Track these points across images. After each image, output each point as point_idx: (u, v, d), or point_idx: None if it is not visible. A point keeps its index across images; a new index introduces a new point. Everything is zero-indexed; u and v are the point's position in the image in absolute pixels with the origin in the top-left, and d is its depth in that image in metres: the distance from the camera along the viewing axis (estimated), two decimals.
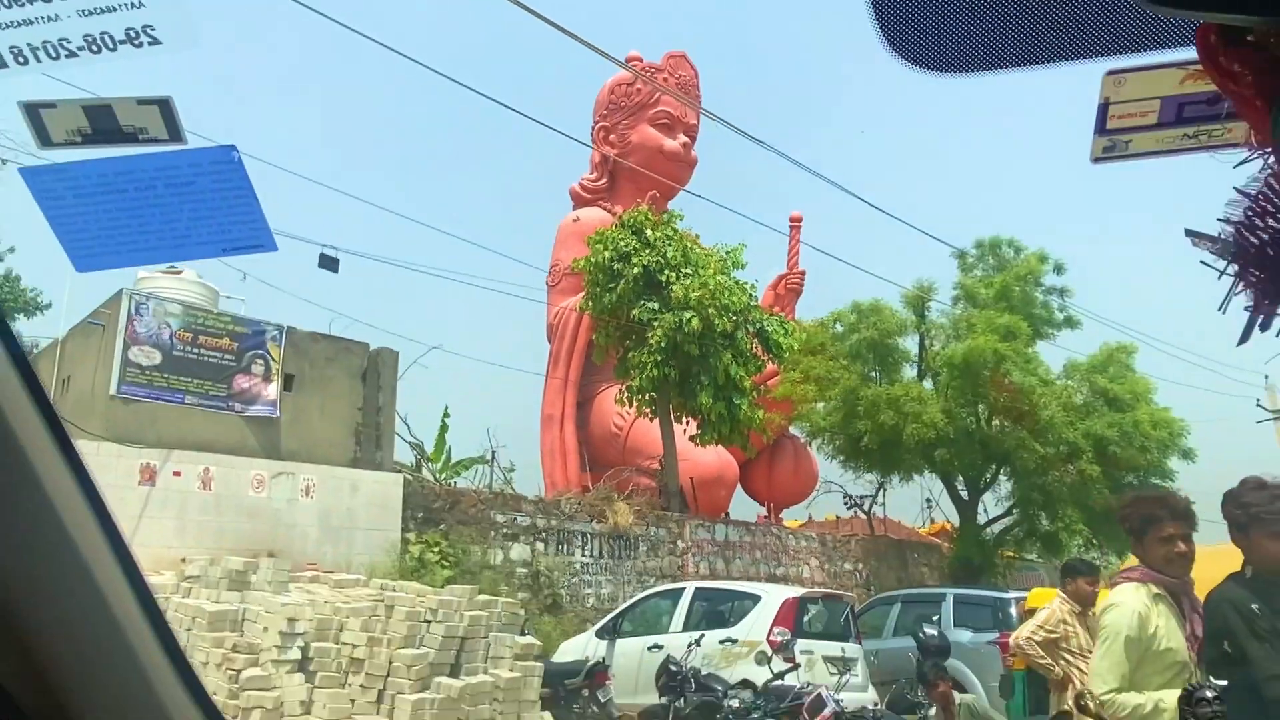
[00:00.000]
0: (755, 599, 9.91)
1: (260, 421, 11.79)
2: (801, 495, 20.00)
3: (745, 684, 8.02)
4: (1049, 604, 5.69)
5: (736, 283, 15.04)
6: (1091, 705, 0.79)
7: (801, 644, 8.98)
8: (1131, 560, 5.65)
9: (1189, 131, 0.73)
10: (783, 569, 15.77)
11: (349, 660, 7.37)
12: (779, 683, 7.74)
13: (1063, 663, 5.29)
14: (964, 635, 10.67)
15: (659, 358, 14.33)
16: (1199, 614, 2.88)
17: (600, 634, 10.38)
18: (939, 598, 12.27)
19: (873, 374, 16.56)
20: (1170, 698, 2.67)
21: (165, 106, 0.93)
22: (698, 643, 8.95)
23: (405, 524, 11.81)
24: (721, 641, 9.20)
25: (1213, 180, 0.65)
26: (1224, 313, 0.59)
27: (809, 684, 7.98)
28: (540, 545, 13.08)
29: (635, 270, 14.61)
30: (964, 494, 17.34)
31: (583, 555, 13.54)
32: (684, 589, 10.86)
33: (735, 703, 7.29)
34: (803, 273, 19.93)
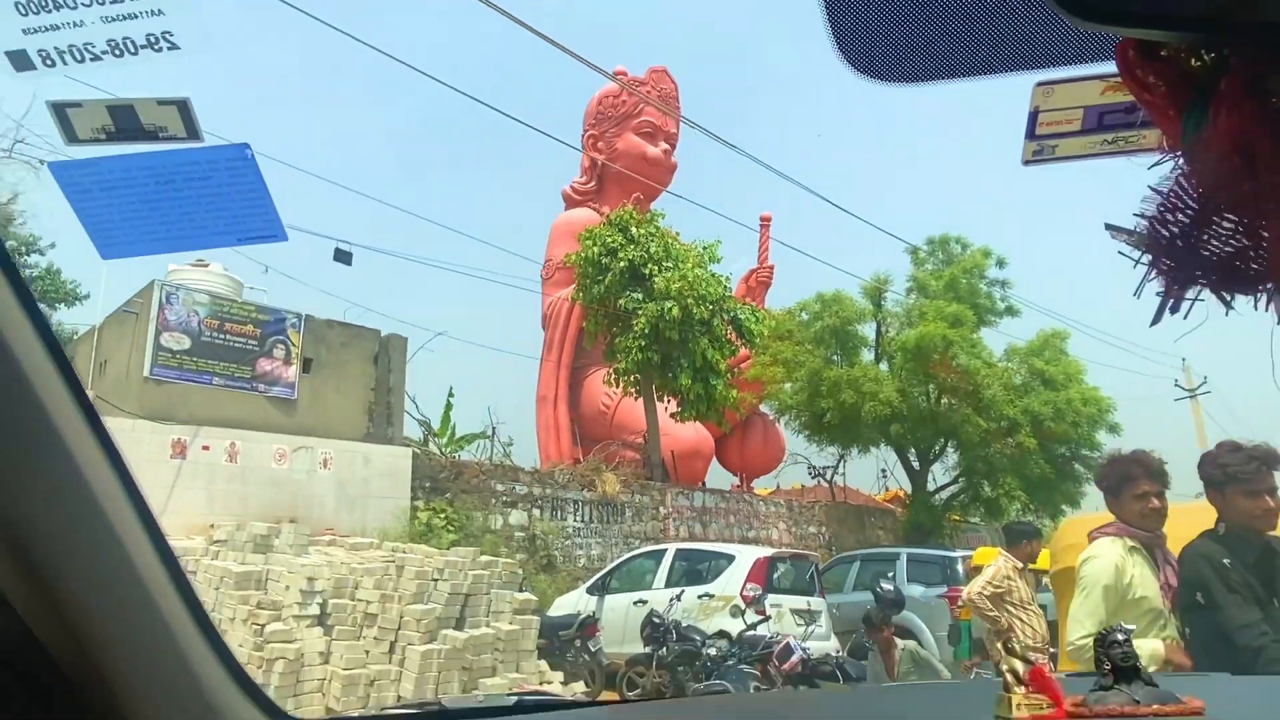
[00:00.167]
0: (730, 558, 9.95)
1: (281, 400, 11.71)
2: (770, 466, 20.08)
3: (721, 634, 8.07)
4: (994, 561, 5.68)
5: (713, 275, 15.02)
6: (1017, 648, 0.80)
7: (771, 598, 9.06)
8: (1077, 522, 5.66)
9: (1109, 138, 0.74)
10: (754, 532, 15.85)
11: (363, 615, 7.36)
12: (752, 633, 7.80)
13: (1006, 613, 5.29)
14: (916, 589, 10.78)
15: (643, 343, 14.30)
16: (1171, 565, 2.83)
17: (590, 591, 10.40)
18: (894, 556, 12.37)
19: (834, 357, 16.60)
20: (1146, 646, 2.60)
21: (183, 107, 0.91)
22: (678, 598, 9.00)
23: (414, 493, 11.78)
24: (700, 597, 9.24)
25: (1130, 180, 0.65)
26: (1139, 298, 0.60)
27: (778, 634, 8.05)
28: (536, 512, 13.09)
29: (621, 264, 14.56)
30: (915, 464, 17.46)
31: (574, 520, 13.55)
32: (666, 550, 10.89)
33: (712, 651, 7.32)
34: (771, 267, 19.95)
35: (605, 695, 8.29)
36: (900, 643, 6.03)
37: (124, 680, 0.83)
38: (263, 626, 6.72)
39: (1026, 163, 0.77)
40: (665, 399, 15.36)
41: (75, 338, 14.63)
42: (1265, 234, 0.57)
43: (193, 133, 0.91)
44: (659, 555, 10.73)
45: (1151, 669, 2.53)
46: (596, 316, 15.37)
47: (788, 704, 1.55)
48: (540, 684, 7.66)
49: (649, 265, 14.52)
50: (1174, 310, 0.59)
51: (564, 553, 13.08)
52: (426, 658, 6.88)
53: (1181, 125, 0.57)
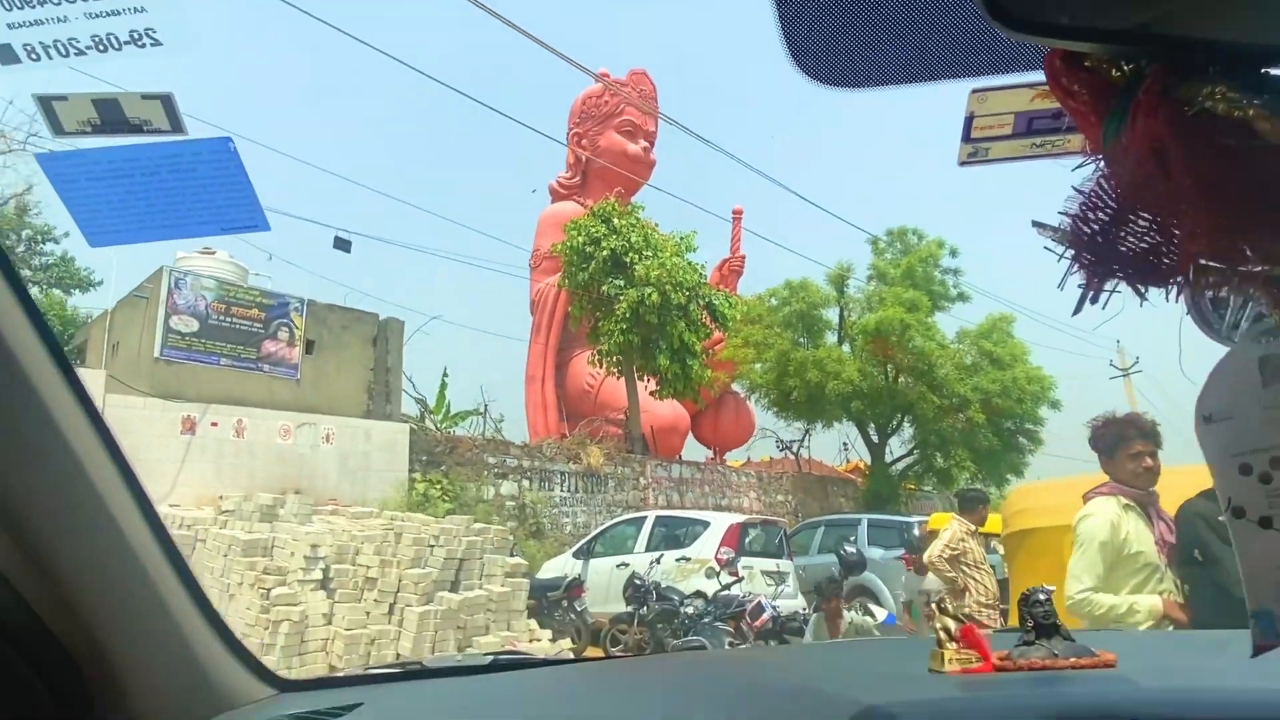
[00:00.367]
0: (705, 524, 10.00)
1: (286, 380, 11.60)
2: (742, 440, 20.20)
3: (698, 594, 8.12)
4: (949, 526, 5.65)
5: (689, 264, 15.00)
6: (949, 607, 0.81)
7: (743, 561, 9.12)
8: (1026, 490, 5.70)
9: (1037, 141, 0.74)
10: (726, 500, 15.96)
11: (364, 579, 7.33)
12: (726, 593, 7.85)
13: (961, 573, 5.30)
14: (876, 552, 10.87)
15: (624, 326, 14.28)
16: (1165, 522, 2.76)
17: (576, 555, 10.42)
18: (855, 522, 12.46)
19: (801, 340, 16.67)
20: (1144, 601, 2.56)
21: (167, 101, 0.89)
22: (658, 561, 9.05)
23: (411, 466, 11.74)
24: (678, 560, 9.26)
25: (1061, 180, 0.65)
26: (1062, 290, 0.60)
27: (750, 593, 8.11)
28: (526, 483, 13.09)
29: (604, 253, 14.49)
30: (874, 438, 17.62)
31: (561, 491, 13.57)
32: (646, 517, 10.93)
33: (690, 610, 7.34)
34: (743, 257, 20.00)
35: (590, 651, 8.34)
36: (847, 615, 5.87)
37: (120, 652, 0.82)
38: (269, 590, 6.69)
39: (962, 164, 0.77)
40: (645, 378, 15.38)
41: (89, 321, 14.36)
42: (1176, 231, 0.57)
43: (176, 126, 0.88)
44: (639, 522, 10.76)
45: (1149, 625, 2.42)
46: (581, 302, 15.31)
47: (759, 657, 1.57)
48: (530, 641, 7.69)
49: (630, 254, 14.47)
50: (1094, 300, 0.59)
51: (552, 520, 13.11)
52: (424, 618, 6.88)
53: (1103, 130, 0.57)
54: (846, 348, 16.83)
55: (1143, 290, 0.59)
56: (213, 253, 12.33)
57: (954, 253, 17.10)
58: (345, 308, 12.89)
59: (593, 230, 14.79)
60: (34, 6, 0.72)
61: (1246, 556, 0.60)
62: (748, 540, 9.79)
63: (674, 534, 10.17)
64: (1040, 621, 0.89)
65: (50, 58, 0.74)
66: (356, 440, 11.33)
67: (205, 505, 9.26)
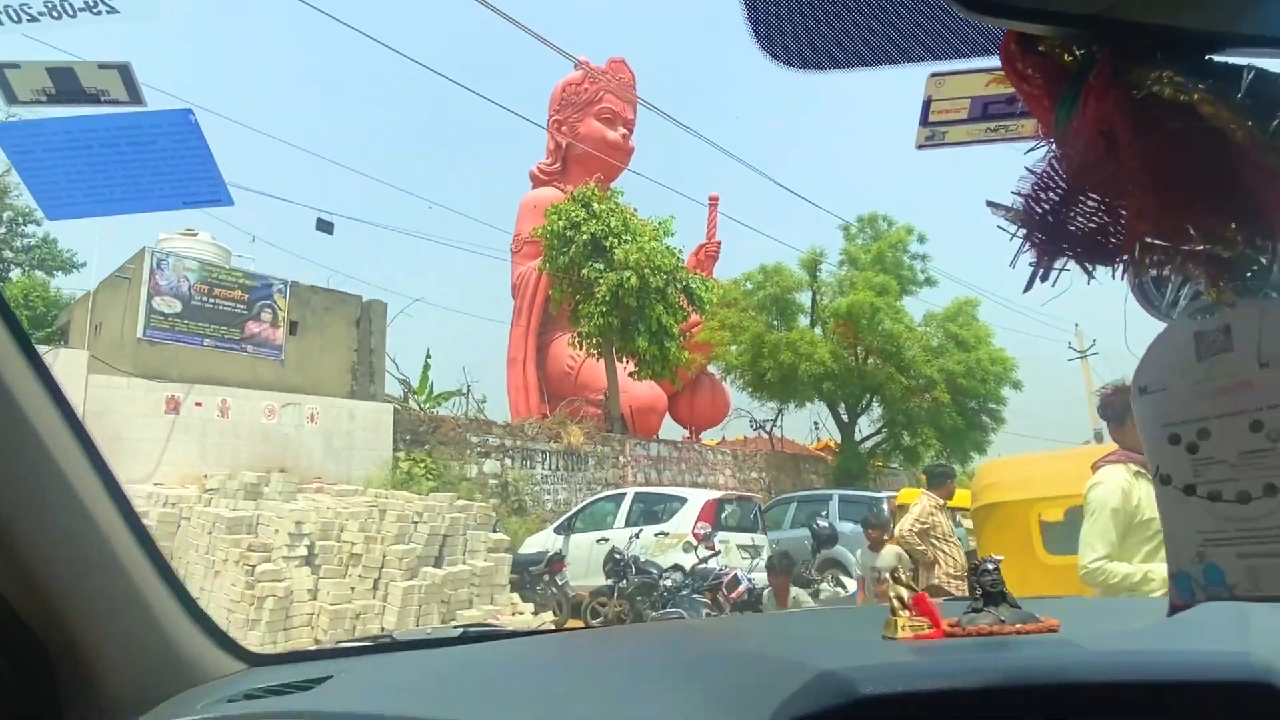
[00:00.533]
0: (682, 500, 10.06)
1: (270, 360, 11.44)
2: (717, 420, 20.31)
3: (676, 568, 8.17)
4: (919, 500, 5.65)
5: (667, 248, 14.95)
6: (904, 577, 0.83)
7: (720, 535, 9.19)
8: (994, 465, 5.71)
9: (992, 126, 0.75)
10: (703, 477, 16.06)
11: (349, 555, 7.29)
12: (703, 566, 7.91)
13: (931, 546, 5.32)
14: (847, 526, 10.97)
15: (604, 309, 14.24)
16: None
17: (558, 531, 10.44)
18: (827, 498, 12.57)
19: (775, 323, 16.74)
20: (1159, 569, 2.41)
21: (125, 71, 0.85)
22: (637, 536, 9.10)
23: (395, 445, 11.66)
24: (656, 534, 9.30)
25: (1014, 163, 0.66)
26: (1014, 267, 0.61)
27: (726, 566, 8.19)
28: (508, 461, 13.07)
29: (584, 237, 14.40)
30: (845, 417, 17.78)
31: (542, 469, 13.58)
32: (625, 494, 10.97)
33: (668, 582, 7.38)
34: (719, 243, 19.99)
35: (571, 623, 8.40)
36: (794, 590, 5.77)
37: (86, 630, 0.81)
38: (254, 567, 6.63)
39: (919, 147, 0.77)
40: (624, 360, 15.38)
41: (72, 303, 14.02)
42: (1123, 212, 0.58)
43: (135, 97, 0.85)
44: (619, 498, 10.80)
45: (1164, 593, 2.51)
46: (561, 285, 15.23)
47: (719, 627, 1.58)
48: (513, 614, 7.72)
49: (609, 238, 14.40)
50: (1044, 279, 0.60)
51: (533, 497, 13.12)
52: (408, 593, 6.88)
53: (1055, 114, 0.58)
54: (819, 330, 16.94)
55: (1090, 269, 0.59)
56: (195, 234, 12.08)
57: (922, 239, 17.24)
58: (328, 289, 12.71)
59: (573, 215, 14.68)
60: None
61: (1169, 522, 0.62)
62: (724, 516, 9.88)
63: (652, 510, 10.21)
64: (988, 590, 0.91)
65: (1, 23, 0.71)
66: (341, 420, 11.22)
67: (190, 484, 9.14)
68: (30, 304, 17.90)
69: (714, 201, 19.43)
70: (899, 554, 5.97)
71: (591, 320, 14.48)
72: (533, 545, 10.24)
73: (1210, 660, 0.73)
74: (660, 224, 15.24)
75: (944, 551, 5.30)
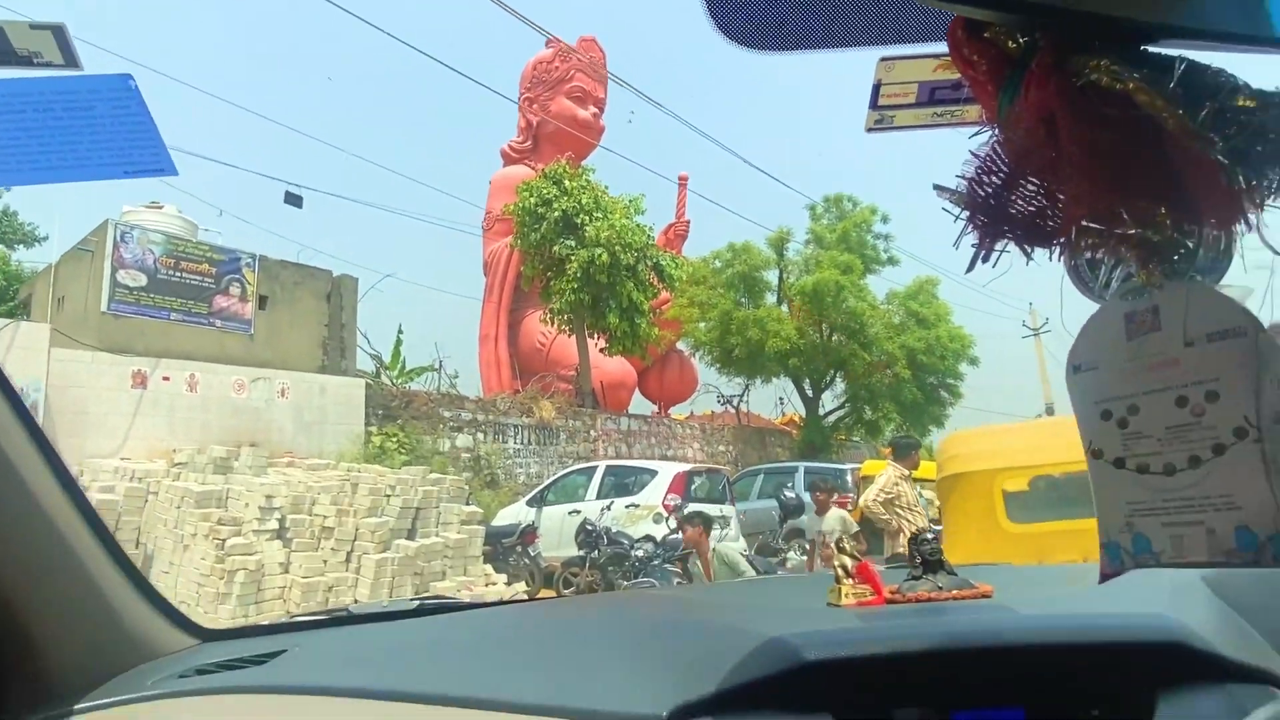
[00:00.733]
0: (653, 473, 10.11)
1: (239, 335, 11.18)
2: (686, 395, 20.42)
3: (647, 538, 8.21)
4: (884, 471, 5.67)
5: (638, 226, 14.86)
6: (847, 544, 0.85)
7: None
8: (958, 436, 5.77)
9: (939, 111, 0.75)
10: (672, 451, 16.17)
11: (321, 529, 7.18)
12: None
13: (895, 515, 5.36)
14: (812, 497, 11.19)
15: (575, 286, 14.14)
16: None
17: (530, 503, 10.43)
18: (793, 470, 12.75)
19: (742, 300, 16.82)
20: None
21: (59, 32, 0.80)
22: (608, 508, 9.15)
23: (368, 419, 11.51)
24: (627, 506, 9.36)
25: (960, 146, 0.66)
26: (957, 248, 0.62)
27: None
28: (480, 435, 13.01)
29: (556, 214, 14.24)
30: (809, 392, 17.99)
31: (515, 443, 13.54)
32: (596, 467, 11.00)
33: (639, 553, 7.39)
34: (688, 222, 19.98)
35: (543, 593, 8.45)
36: (714, 545, 5.60)
37: (31, 610, 0.79)
38: (224, 541, 6.52)
39: (869, 130, 0.78)
40: (595, 336, 15.33)
41: (34, 276, 13.50)
42: (1061, 196, 0.59)
43: (70, 60, 0.80)
44: (590, 471, 10.83)
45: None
46: (533, 262, 15.08)
47: (670, 596, 1.60)
48: (486, 585, 7.73)
49: (581, 215, 14.26)
50: (985, 260, 0.61)
51: (505, 471, 13.09)
52: (381, 565, 6.84)
53: (998, 100, 0.58)
54: (785, 308, 17.06)
55: (1029, 250, 0.61)
56: (160, 207, 11.68)
57: (885, 219, 17.41)
58: (298, 264, 12.41)
59: (544, 192, 14.50)
60: None
61: (1101, 493, 0.64)
62: (693, 487, 9.95)
63: (623, 482, 10.26)
64: (927, 558, 0.95)
65: None
66: (312, 395, 11.03)
67: (158, 458, 8.93)
68: None
69: (683, 181, 19.36)
70: (843, 517, 6.04)
71: (563, 297, 14.39)
72: (505, 517, 10.23)
73: (1130, 623, 0.76)
74: (631, 202, 15.13)
75: (908, 520, 5.35)
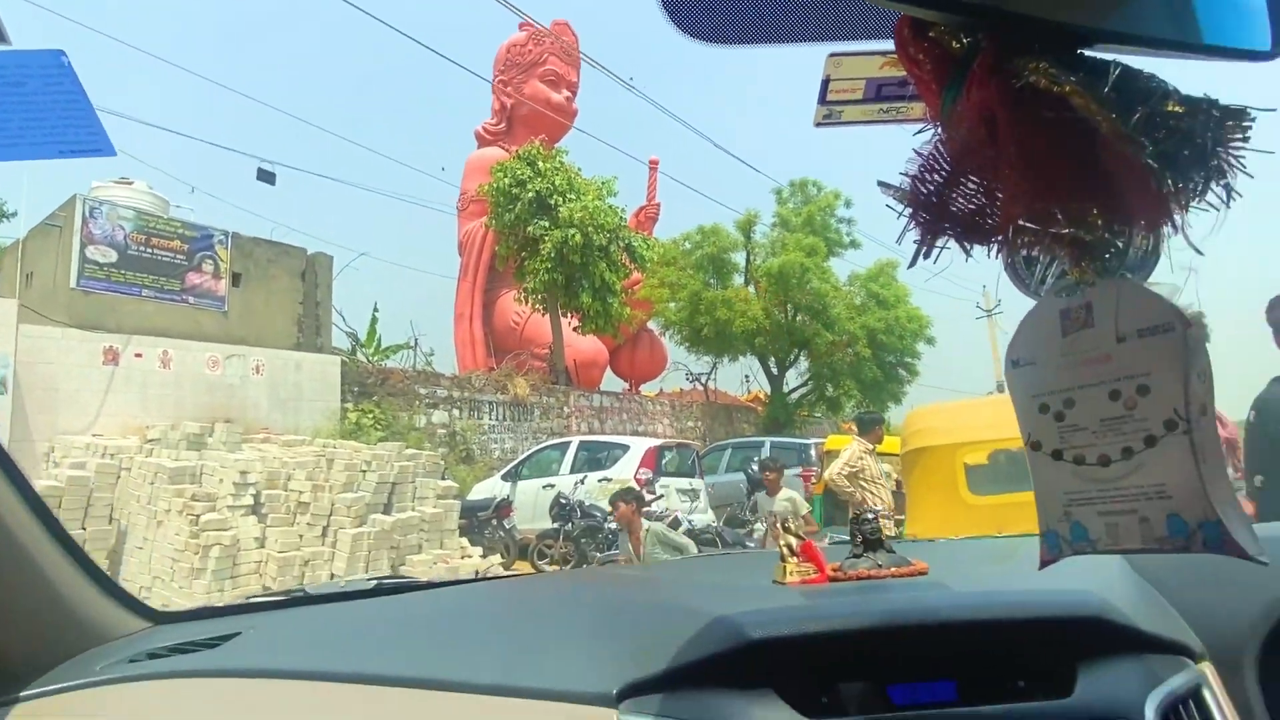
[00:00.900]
0: (625, 448, 10.16)
1: (212, 312, 10.88)
2: (655, 373, 20.47)
3: None
4: (849, 445, 5.70)
5: (610, 207, 14.74)
6: (794, 527, 0.87)
7: (661, 480, 9.38)
8: (921, 412, 5.80)
9: (884, 107, 0.75)
10: (643, 427, 16.23)
11: (296, 504, 7.05)
12: (646, 508, 8.04)
13: (860, 488, 5.39)
14: None
15: (549, 266, 14.02)
16: (1217, 418, 2.46)
17: (505, 477, 10.43)
18: (759, 444, 12.83)
19: (711, 281, 16.83)
20: None
21: None
22: (582, 482, 9.18)
23: (344, 396, 11.33)
24: (600, 480, 9.38)
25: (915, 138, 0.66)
26: (900, 244, 0.61)
27: (667, 509, 8.37)
28: (456, 412, 12.90)
29: (530, 194, 14.06)
30: (774, 370, 18.12)
31: (490, 419, 13.46)
32: (570, 442, 11.00)
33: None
34: (658, 205, 19.89)
35: (518, 565, 8.48)
36: (645, 523, 5.37)
37: None
38: (198, 517, 6.37)
39: (818, 124, 0.77)
40: (568, 315, 15.25)
41: (1, 250, 12.94)
42: (999, 195, 0.59)
43: None
44: (564, 446, 10.83)
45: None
46: (508, 241, 14.91)
47: (621, 575, 1.60)
48: (462, 558, 7.71)
49: (554, 196, 14.10)
50: (926, 255, 0.61)
51: (481, 446, 13.02)
52: (357, 539, 6.75)
53: (941, 99, 0.58)
54: (752, 289, 17.12)
55: (968, 248, 0.61)
56: (130, 183, 11.24)
57: (848, 203, 17.49)
58: (272, 241, 12.07)
59: (518, 172, 14.30)
60: None
61: (1040, 484, 0.65)
62: (664, 462, 10.03)
63: (596, 457, 10.28)
64: (868, 537, 0.96)
65: None
66: (287, 372, 10.81)
67: (130, 434, 8.70)
68: None
69: (654, 165, 19.28)
70: (792, 498, 6.09)
71: (537, 276, 14.26)
72: (481, 492, 10.21)
73: (1055, 599, 0.78)
74: (604, 184, 14.99)
75: (871, 493, 5.40)
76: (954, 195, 0.59)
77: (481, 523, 8.76)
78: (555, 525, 8.15)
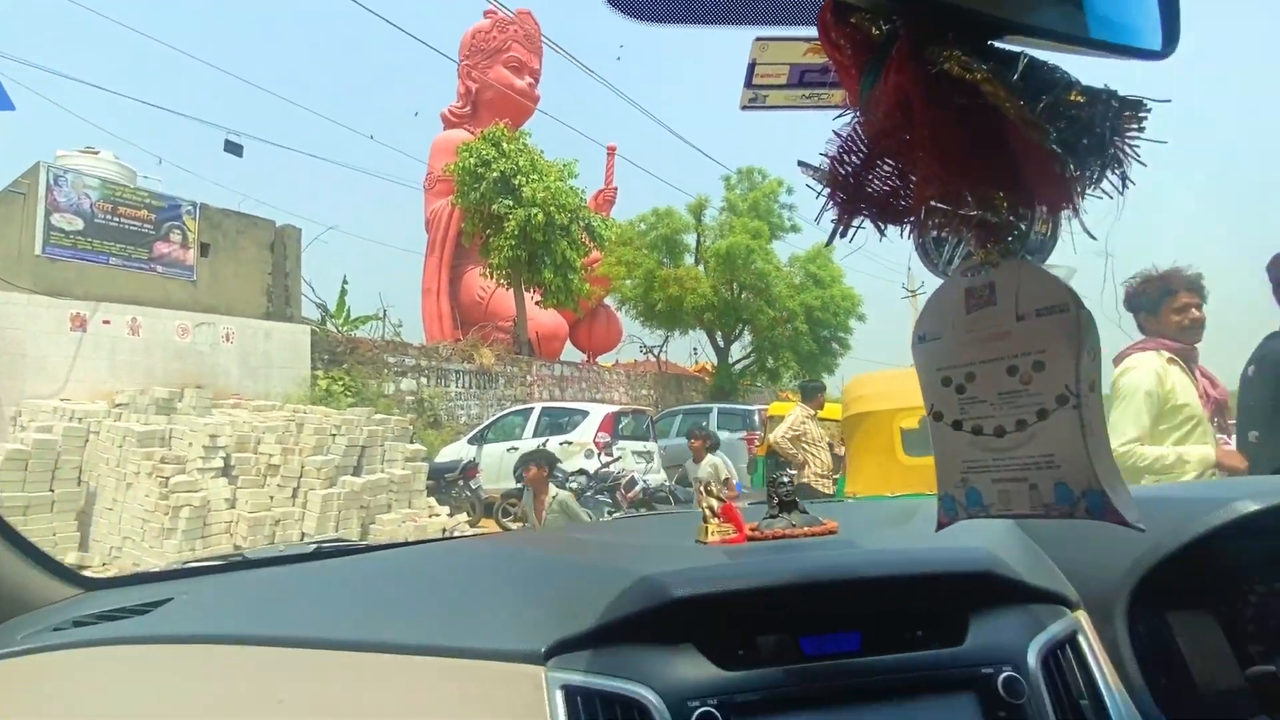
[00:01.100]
0: (584, 414, 10.14)
1: (181, 280, 10.34)
2: (611, 345, 20.45)
3: (580, 471, 8.28)
4: (793, 411, 5.71)
5: (571, 188, 14.49)
6: (715, 490, 0.86)
7: (618, 444, 9.42)
8: (860, 380, 5.87)
9: (806, 93, 0.72)
10: (600, 394, 16.21)
11: (266, 466, 6.79)
12: (604, 470, 8.07)
13: (802, 450, 5.42)
14: (724, 434, 11.49)
15: (513, 243, 13.75)
16: (1208, 378, 2.35)
17: (471, 441, 10.32)
18: (708, 410, 13.05)
19: (664, 260, 16.82)
20: (1193, 452, 2.16)
21: None
22: (544, 445, 9.13)
23: (314, 364, 10.96)
24: (561, 443, 9.37)
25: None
26: (818, 223, 0.59)
27: (624, 470, 8.42)
28: (424, 380, 12.65)
29: (494, 174, 13.70)
30: (720, 343, 18.33)
31: (456, 387, 13.25)
32: (533, 408, 10.93)
33: (573, 485, 7.41)
34: (615, 189, 19.70)
35: (484, 523, 8.43)
36: (553, 490, 4.93)
37: None
38: (168, 479, 6.09)
39: (743, 108, 0.74)
40: (531, 290, 15.05)
41: None
42: (913, 177, 0.57)
43: None
44: (527, 412, 10.76)
45: (1203, 474, 2.11)
46: (473, 220, 14.53)
47: (551, 537, 1.55)
48: (430, 516, 7.62)
49: (518, 177, 13.78)
50: (843, 235, 0.59)
51: (448, 412, 12.82)
52: (327, 500, 6.58)
53: (860, 83, 0.55)
54: (702, 268, 17.17)
55: (883, 227, 0.59)
56: (96, 152, 10.51)
57: (790, 190, 17.57)
58: (240, 213, 11.48)
59: (483, 153, 13.91)
60: None
61: (940, 452, 0.65)
62: (620, 426, 10.06)
63: (558, 422, 10.25)
64: (783, 499, 0.96)
65: None
66: (257, 340, 10.38)
67: (99, 400, 8.25)
68: None
69: (611, 151, 19.10)
70: (715, 464, 6.18)
71: (501, 253, 13.99)
72: (448, 454, 10.09)
73: (948, 556, 0.79)
74: (565, 166, 14.71)
75: (814, 455, 5.46)
76: (870, 176, 0.57)
77: (449, 483, 8.68)
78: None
